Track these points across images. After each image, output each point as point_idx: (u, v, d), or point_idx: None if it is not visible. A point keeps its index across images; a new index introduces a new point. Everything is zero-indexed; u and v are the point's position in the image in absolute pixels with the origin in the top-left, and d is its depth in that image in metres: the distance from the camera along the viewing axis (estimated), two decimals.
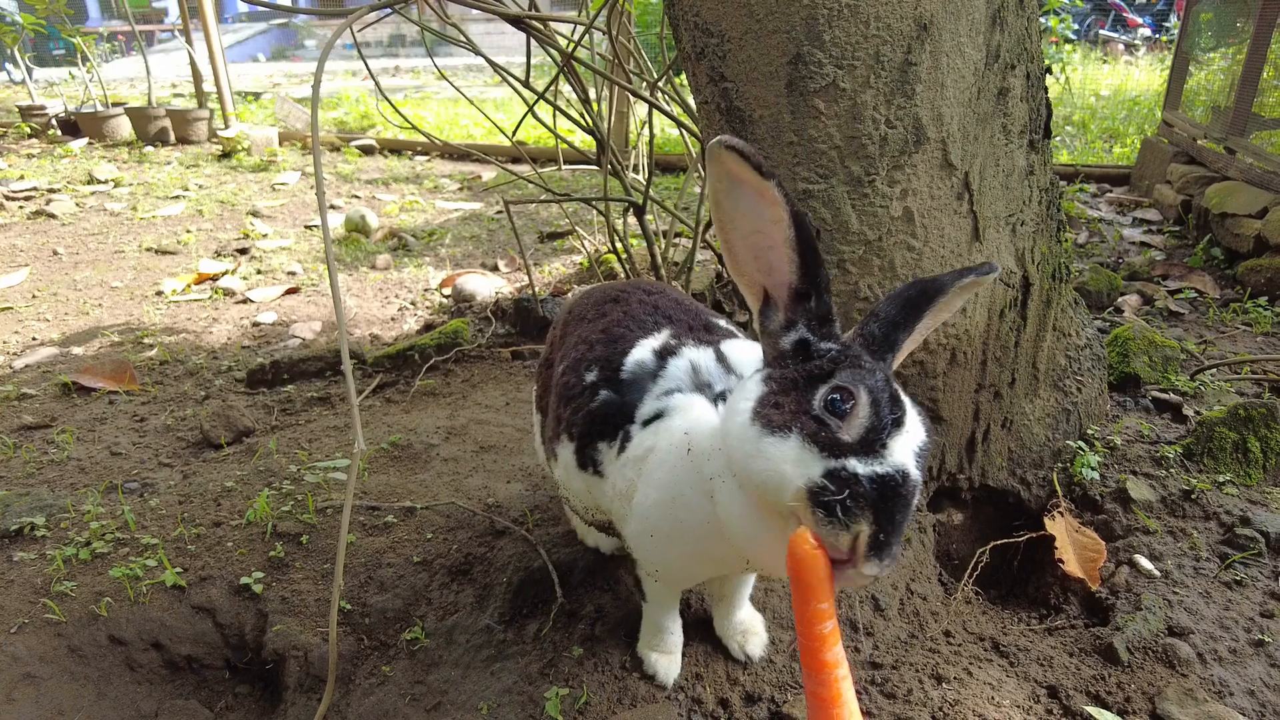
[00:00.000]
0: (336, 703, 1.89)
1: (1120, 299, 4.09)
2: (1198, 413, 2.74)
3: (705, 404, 1.45)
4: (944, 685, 1.79)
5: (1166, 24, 16.01)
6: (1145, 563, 2.12)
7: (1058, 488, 2.41)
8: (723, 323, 1.73)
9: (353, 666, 2.00)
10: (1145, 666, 1.82)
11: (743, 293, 1.28)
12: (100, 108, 9.97)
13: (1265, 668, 1.81)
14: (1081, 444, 2.49)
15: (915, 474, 1.11)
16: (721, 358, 1.53)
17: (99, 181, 7.86)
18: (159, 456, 3.03)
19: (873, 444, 1.10)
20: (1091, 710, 1.70)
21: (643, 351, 1.59)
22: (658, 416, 1.50)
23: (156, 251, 5.86)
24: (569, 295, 4.56)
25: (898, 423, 1.12)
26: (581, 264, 5.19)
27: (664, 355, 1.57)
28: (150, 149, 9.43)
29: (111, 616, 2.11)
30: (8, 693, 1.94)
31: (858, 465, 1.09)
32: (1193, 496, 2.31)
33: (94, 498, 2.63)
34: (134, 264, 5.57)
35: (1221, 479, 2.38)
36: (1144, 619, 1.93)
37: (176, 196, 7.41)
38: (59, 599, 2.14)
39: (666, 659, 1.83)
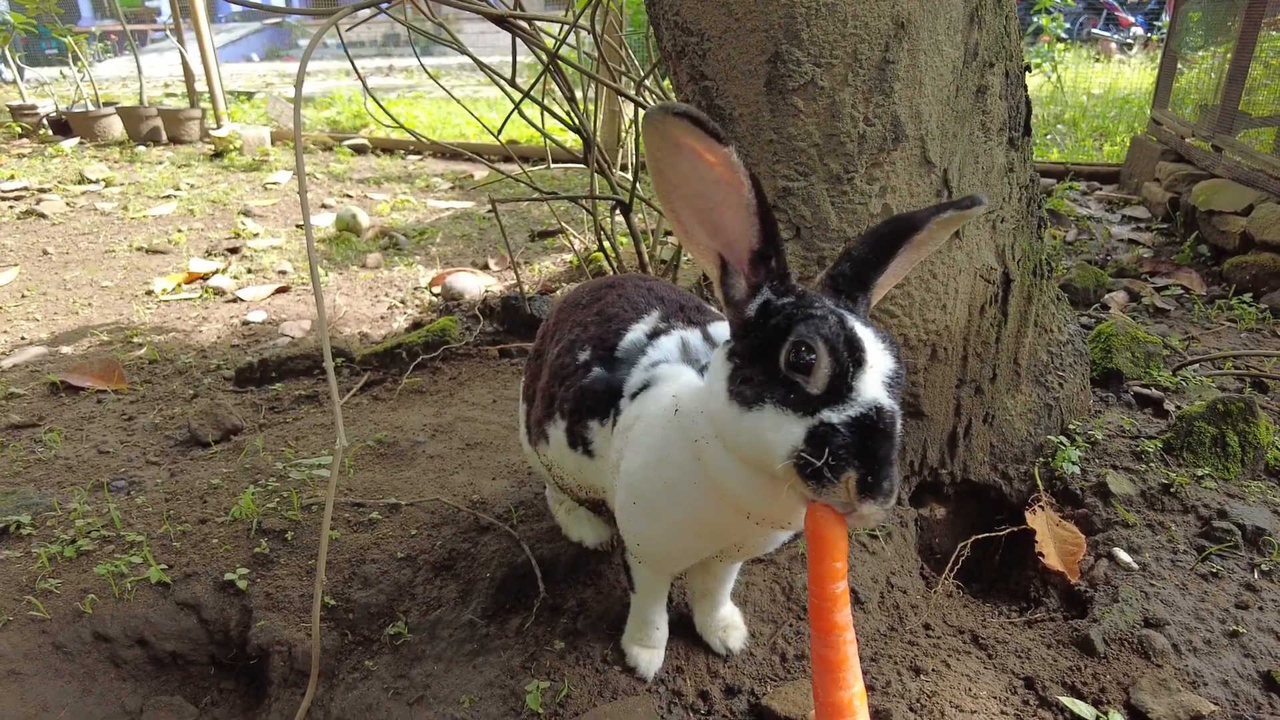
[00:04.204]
0: (320, 697, 1.90)
1: (1107, 295, 4.11)
2: (1178, 408, 2.76)
3: (693, 374, 1.49)
4: (922, 677, 1.81)
5: (1158, 23, 16.08)
6: (1124, 556, 2.14)
7: (1039, 482, 2.42)
8: (714, 307, 1.76)
9: (336, 661, 2.00)
10: (1121, 658, 1.84)
11: (699, 261, 1.28)
12: (92, 107, 9.95)
13: (1239, 658, 1.82)
14: (1063, 439, 2.51)
15: (889, 404, 1.12)
16: (708, 337, 1.59)
17: (90, 181, 7.84)
18: (146, 455, 3.03)
19: (840, 389, 1.12)
20: (1066, 701, 1.72)
21: (636, 333, 1.64)
22: (645, 387, 1.55)
23: (147, 251, 5.85)
24: (557, 293, 4.57)
25: (859, 361, 1.13)
26: (571, 262, 5.20)
27: (655, 335, 1.63)
28: (142, 148, 9.41)
29: (96, 613, 2.11)
30: None
31: (831, 415, 1.11)
32: (1172, 490, 2.33)
33: (80, 496, 2.64)
34: (124, 263, 5.57)
35: (1200, 473, 2.40)
36: (1121, 611, 1.94)
37: (168, 196, 7.39)
38: (44, 596, 2.14)
39: (649, 653, 1.84)
